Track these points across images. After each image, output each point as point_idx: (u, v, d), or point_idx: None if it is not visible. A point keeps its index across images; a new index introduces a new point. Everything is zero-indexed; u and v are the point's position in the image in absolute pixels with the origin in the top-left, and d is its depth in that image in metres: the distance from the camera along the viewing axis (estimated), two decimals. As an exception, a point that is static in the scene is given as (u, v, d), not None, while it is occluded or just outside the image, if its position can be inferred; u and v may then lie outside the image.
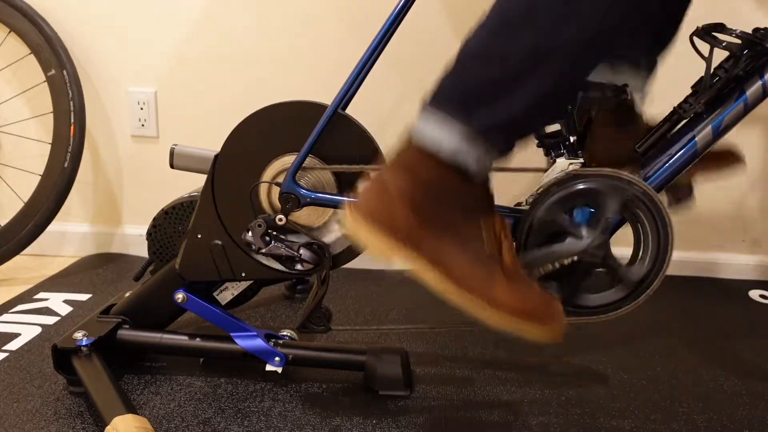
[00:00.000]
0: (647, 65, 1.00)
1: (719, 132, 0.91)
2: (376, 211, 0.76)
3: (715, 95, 0.92)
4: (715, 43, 0.91)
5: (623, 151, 0.97)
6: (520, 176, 1.18)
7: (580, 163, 0.90)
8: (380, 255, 0.77)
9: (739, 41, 0.91)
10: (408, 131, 0.77)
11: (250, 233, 0.93)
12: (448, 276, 0.76)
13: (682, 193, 0.98)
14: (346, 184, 0.94)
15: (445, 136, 0.73)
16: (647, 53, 1.00)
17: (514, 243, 0.88)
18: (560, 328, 0.81)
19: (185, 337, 1.03)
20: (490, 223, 0.80)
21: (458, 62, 0.75)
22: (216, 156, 0.95)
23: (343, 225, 0.80)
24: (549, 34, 0.71)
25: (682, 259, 1.55)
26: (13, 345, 1.14)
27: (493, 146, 0.74)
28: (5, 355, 1.10)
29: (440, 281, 0.77)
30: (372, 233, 0.76)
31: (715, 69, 0.93)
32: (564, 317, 0.82)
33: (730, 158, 1.07)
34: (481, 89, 0.73)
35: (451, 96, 0.75)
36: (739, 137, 1.47)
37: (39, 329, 1.20)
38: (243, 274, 0.98)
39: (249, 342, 0.99)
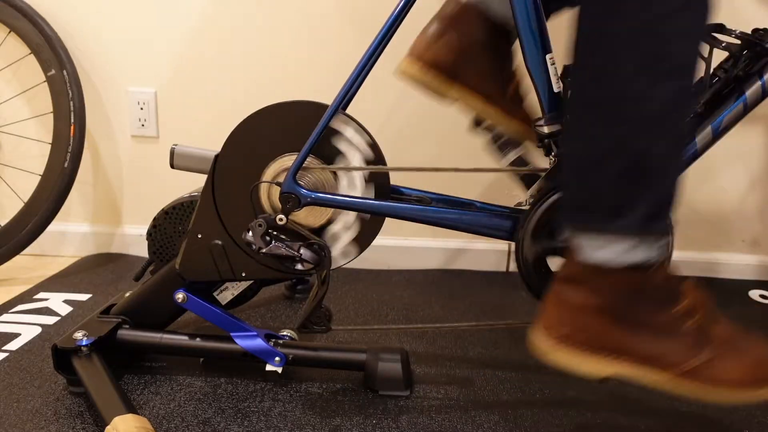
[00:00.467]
0: None
1: (719, 132, 0.91)
2: (571, 332, 0.75)
3: (715, 95, 0.92)
4: (714, 43, 0.91)
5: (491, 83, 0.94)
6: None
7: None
8: (591, 374, 0.75)
9: (738, 42, 0.91)
10: (573, 247, 0.75)
11: (250, 233, 0.93)
12: (663, 369, 0.74)
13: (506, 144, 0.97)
14: (345, 184, 0.94)
15: (608, 251, 0.72)
16: None
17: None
18: None
19: (185, 337, 1.03)
20: (687, 301, 0.76)
21: (575, 170, 0.72)
22: (216, 156, 0.95)
23: (540, 355, 0.78)
24: (650, 102, 0.67)
25: (682, 259, 1.55)
26: (13, 345, 1.14)
27: (654, 235, 0.72)
28: (5, 355, 1.10)
29: (658, 377, 0.75)
30: (576, 357, 0.75)
31: (714, 69, 0.94)
32: None
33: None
34: (615, 190, 0.70)
35: (591, 210, 0.72)
36: (738, 137, 1.48)
37: (39, 329, 1.20)
38: (243, 274, 0.98)
39: (249, 342, 0.99)
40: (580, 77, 0.72)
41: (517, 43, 0.92)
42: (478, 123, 1.02)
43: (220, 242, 0.97)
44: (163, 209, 1.08)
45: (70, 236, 1.64)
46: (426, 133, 1.53)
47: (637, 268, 0.72)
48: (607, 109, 0.69)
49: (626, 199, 0.70)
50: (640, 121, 0.68)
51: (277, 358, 0.98)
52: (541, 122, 0.91)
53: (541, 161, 0.96)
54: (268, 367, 0.99)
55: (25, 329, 1.20)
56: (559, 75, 0.90)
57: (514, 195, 1.05)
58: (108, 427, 0.83)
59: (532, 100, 0.94)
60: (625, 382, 1.01)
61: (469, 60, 0.94)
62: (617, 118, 0.68)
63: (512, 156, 1.01)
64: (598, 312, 0.74)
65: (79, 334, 0.99)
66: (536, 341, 0.78)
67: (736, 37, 0.91)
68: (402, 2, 0.90)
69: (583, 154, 0.72)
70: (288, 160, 0.93)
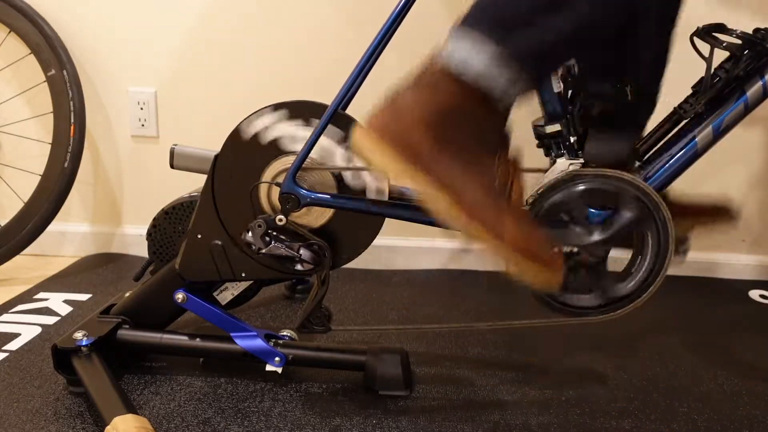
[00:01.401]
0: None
1: (720, 132, 0.91)
2: (390, 129, 0.74)
3: (716, 95, 0.92)
4: (715, 43, 0.91)
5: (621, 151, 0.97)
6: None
7: (581, 163, 0.90)
8: (389, 175, 0.76)
9: (739, 42, 0.91)
10: (432, 51, 0.74)
11: (250, 233, 0.93)
12: (457, 202, 0.74)
13: (680, 246, 0.97)
14: (346, 184, 0.94)
15: (475, 57, 0.71)
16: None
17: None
18: (559, 275, 0.79)
19: (185, 337, 1.03)
20: (504, 160, 0.77)
21: None
22: (216, 156, 0.95)
23: (353, 143, 0.77)
24: None
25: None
26: (13, 345, 1.14)
27: (522, 72, 0.71)
28: (5, 355, 1.10)
29: (449, 207, 0.74)
30: (383, 152, 0.73)
31: (715, 69, 0.94)
32: (562, 267, 0.80)
33: (725, 213, 1.07)
34: (520, 12, 0.71)
35: (488, 17, 0.72)
36: (739, 137, 1.48)
37: (39, 329, 1.20)
38: (243, 274, 0.98)
39: (249, 342, 0.99)
40: None
41: None
42: None
43: (220, 242, 0.97)
44: (163, 209, 1.08)
45: (70, 236, 1.64)
46: (426, 133, 1.53)
47: (482, 94, 0.72)
48: None
49: (525, 21, 0.71)
50: None
51: (277, 358, 0.98)
52: (541, 122, 0.90)
53: (542, 162, 0.96)
54: (268, 367, 0.99)
55: (25, 329, 1.20)
56: (559, 75, 0.90)
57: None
58: (108, 427, 0.83)
59: (532, 105, 0.94)
60: (629, 381, 1.01)
61: (446, 136, 0.98)
62: None
63: None
64: (427, 122, 0.73)
65: (79, 334, 0.99)
66: (356, 132, 0.77)
67: (737, 36, 0.91)
68: (402, 2, 0.90)
69: None
70: (288, 161, 0.93)
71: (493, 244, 0.75)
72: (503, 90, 0.72)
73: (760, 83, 0.90)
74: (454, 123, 0.73)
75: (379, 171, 0.76)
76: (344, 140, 0.93)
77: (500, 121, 0.77)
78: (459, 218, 0.75)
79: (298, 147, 0.93)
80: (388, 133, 0.74)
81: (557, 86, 0.89)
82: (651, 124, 0.99)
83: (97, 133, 1.60)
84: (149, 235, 1.09)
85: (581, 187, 0.86)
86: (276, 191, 0.93)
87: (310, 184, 0.94)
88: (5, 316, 1.26)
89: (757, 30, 0.92)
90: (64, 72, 1.46)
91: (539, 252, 0.77)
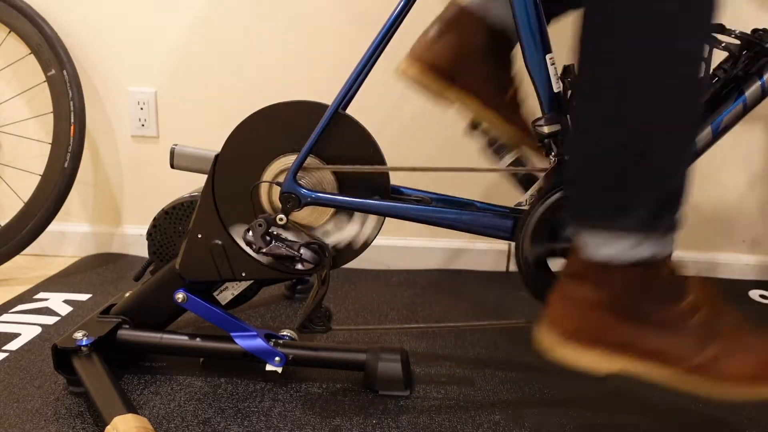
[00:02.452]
0: None
1: (718, 132, 0.91)
2: (576, 328, 0.74)
3: (714, 95, 0.92)
4: (714, 43, 0.91)
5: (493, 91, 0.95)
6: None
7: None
8: (596, 369, 0.75)
9: (738, 42, 0.91)
10: (577, 245, 0.75)
11: (250, 233, 0.93)
12: (669, 365, 0.74)
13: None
14: (346, 184, 0.94)
15: (614, 248, 0.71)
16: None
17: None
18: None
19: (185, 337, 1.03)
20: (692, 297, 0.75)
21: (580, 165, 0.72)
22: (216, 156, 0.95)
23: (546, 351, 0.77)
24: (660, 91, 0.67)
25: (682, 259, 1.55)
26: (13, 345, 1.14)
27: (660, 230, 0.71)
28: (5, 355, 1.10)
29: (665, 373, 0.74)
30: (582, 352, 0.74)
31: (714, 69, 0.94)
32: None
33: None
34: (622, 182, 0.70)
35: (596, 205, 0.72)
36: (738, 137, 1.48)
37: (39, 329, 1.20)
38: (243, 274, 0.98)
39: (249, 342, 0.99)
40: (586, 74, 0.71)
41: (517, 48, 0.92)
42: (474, 126, 1.02)
43: (220, 242, 0.97)
44: (163, 209, 1.08)
45: (70, 236, 1.64)
46: (426, 133, 1.53)
47: (642, 264, 0.72)
48: (612, 106, 0.69)
49: (631, 196, 0.70)
50: (645, 118, 0.68)
51: (277, 358, 0.98)
52: (541, 122, 0.91)
53: (541, 161, 0.96)
54: (268, 367, 0.99)
55: (25, 329, 1.20)
56: (559, 75, 0.90)
57: (514, 195, 1.05)
58: (108, 427, 0.83)
59: (531, 105, 0.94)
60: (630, 379, 1.01)
61: (468, 63, 0.94)
62: (622, 115, 0.68)
63: (508, 159, 1.02)
64: (603, 307, 0.74)
65: (79, 334, 0.99)
66: (541, 337, 0.78)
67: (736, 37, 0.91)
68: (402, 2, 0.90)
69: (588, 150, 0.72)
70: (288, 160, 0.93)
71: (725, 388, 0.73)
72: (657, 251, 0.72)
73: (758, 83, 0.90)
74: (634, 298, 0.73)
75: (586, 367, 0.75)
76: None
77: (666, 269, 0.75)
78: (679, 378, 0.74)
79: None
80: (578, 333, 0.74)
81: (557, 86, 0.89)
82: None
83: (97, 133, 1.60)
84: (149, 235, 1.09)
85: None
86: (276, 191, 0.94)
87: (310, 184, 0.94)
88: (5, 316, 1.26)
89: (755, 30, 0.92)
90: (64, 72, 1.46)
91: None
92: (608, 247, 0.72)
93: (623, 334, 0.74)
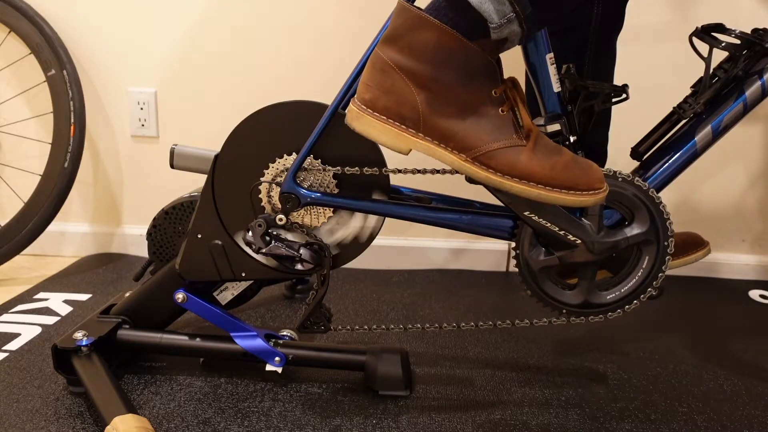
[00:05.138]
0: None
1: (719, 132, 0.91)
2: (377, 97, 0.69)
3: (715, 95, 0.92)
4: (714, 43, 0.91)
5: None
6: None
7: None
8: (392, 147, 0.70)
9: (738, 42, 0.91)
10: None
11: (250, 233, 0.93)
12: (468, 152, 0.69)
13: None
14: (346, 184, 0.94)
15: None
16: None
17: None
18: (603, 193, 0.72)
19: (185, 337, 1.03)
20: (502, 89, 0.72)
21: None
22: (216, 156, 0.95)
23: (349, 122, 0.74)
24: None
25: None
26: (13, 345, 1.14)
27: (523, 7, 0.67)
28: (5, 355, 1.10)
29: (460, 160, 0.70)
30: (379, 125, 0.70)
31: (714, 69, 0.94)
32: (603, 179, 0.74)
33: (697, 243, 1.07)
34: None
35: None
36: (738, 137, 1.48)
37: (39, 329, 1.20)
38: (243, 274, 0.98)
39: (249, 342, 0.99)
40: None
41: None
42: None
43: (220, 242, 0.97)
44: (163, 209, 1.08)
45: (70, 236, 1.64)
46: (426, 133, 1.53)
47: (477, 27, 0.67)
48: None
49: None
50: None
51: (277, 358, 0.98)
52: (541, 122, 0.90)
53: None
54: (268, 367, 0.99)
55: (25, 329, 1.20)
56: (558, 75, 0.90)
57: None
58: (108, 427, 0.83)
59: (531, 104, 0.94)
60: (628, 379, 1.01)
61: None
62: None
63: None
64: (409, 75, 0.68)
65: (79, 334, 0.99)
66: (350, 111, 0.73)
67: (736, 36, 0.91)
68: (402, 2, 0.90)
69: None
70: (288, 160, 0.93)
71: (522, 187, 0.70)
72: (500, 20, 0.67)
73: (758, 83, 0.90)
74: (442, 68, 0.68)
75: (385, 145, 0.72)
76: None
77: (491, 54, 0.71)
78: (476, 172, 0.70)
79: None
80: (378, 103, 0.70)
81: (557, 86, 0.89)
82: (651, 124, 0.99)
83: (97, 133, 1.60)
84: (149, 235, 1.09)
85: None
86: (276, 191, 0.94)
87: (311, 184, 0.94)
88: (5, 316, 1.26)
89: (755, 30, 0.92)
90: (64, 72, 1.46)
91: (573, 176, 0.71)
92: None
93: (424, 109, 0.69)
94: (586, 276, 0.90)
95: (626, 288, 0.91)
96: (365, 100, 0.72)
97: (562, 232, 0.85)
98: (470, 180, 0.78)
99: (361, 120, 0.73)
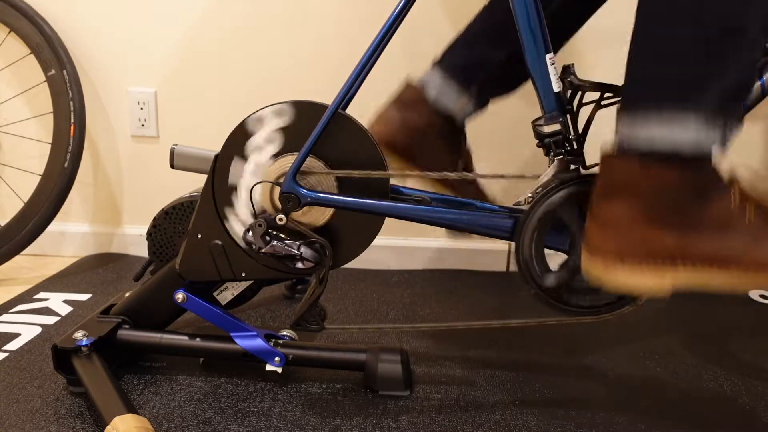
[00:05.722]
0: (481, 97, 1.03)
1: (719, 132, 0.91)
2: (622, 248, 0.68)
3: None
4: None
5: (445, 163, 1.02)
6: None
7: (579, 163, 0.90)
8: (656, 291, 0.69)
9: (738, 41, 0.91)
10: (608, 148, 0.70)
11: (250, 233, 0.93)
12: (736, 267, 0.68)
13: None
14: (346, 183, 0.94)
15: (679, 132, 0.65)
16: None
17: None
18: None
19: (185, 337, 1.03)
20: (733, 190, 0.70)
21: (654, 57, 0.67)
22: (216, 156, 0.95)
23: (594, 279, 0.71)
24: None
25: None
26: (13, 345, 1.14)
27: (732, 116, 0.66)
28: (5, 355, 1.10)
29: (729, 276, 0.68)
30: (634, 273, 0.68)
31: (715, 69, 0.93)
32: None
33: None
34: (698, 69, 0.65)
35: (669, 88, 0.67)
36: (738, 137, 1.48)
37: (39, 329, 1.20)
38: (243, 274, 0.98)
39: (249, 342, 0.99)
40: None
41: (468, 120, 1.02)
42: None
43: (219, 242, 0.97)
44: (163, 209, 1.08)
45: (70, 236, 1.64)
46: (426, 133, 1.53)
47: (686, 158, 0.66)
48: None
49: (711, 71, 0.65)
50: None
51: (277, 358, 0.98)
52: (541, 122, 0.91)
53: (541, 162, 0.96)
54: (268, 367, 0.99)
55: (25, 329, 1.20)
56: (558, 75, 0.90)
57: (515, 195, 1.05)
58: (108, 427, 0.83)
59: (534, 105, 0.94)
60: (628, 375, 1.01)
61: (422, 144, 1.02)
62: None
63: None
64: (644, 219, 0.67)
65: (79, 334, 0.99)
66: (588, 269, 0.71)
67: (737, 37, 0.91)
68: (402, 2, 0.90)
69: (662, 21, 0.67)
70: (288, 160, 0.93)
71: None
72: (714, 143, 0.67)
73: (758, 83, 0.90)
74: (676, 201, 0.67)
75: (643, 291, 0.69)
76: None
77: (710, 166, 0.69)
78: (741, 280, 0.68)
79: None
80: (625, 253, 0.68)
81: (557, 86, 0.89)
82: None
83: (97, 133, 1.60)
84: (149, 235, 1.09)
85: (579, 188, 0.87)
86: (276, 190, 0.94)
87: (310, 184, 0.94)
88: (5, 316, 1.26)
89: (756, 30, 0.92)
90: (64, 72, 1.46)
91: None
92: (668, 130, 0.66)
93: (671, 243, 0.68)
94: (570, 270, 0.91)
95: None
96: (610, 254, 0.71)
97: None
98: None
99: (613, 275, 0.71)
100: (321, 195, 0.92)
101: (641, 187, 0.68)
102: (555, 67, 0.89)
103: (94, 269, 1.53)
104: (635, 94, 0.70)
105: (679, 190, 0.68)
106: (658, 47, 0.67)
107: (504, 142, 1.53)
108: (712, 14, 0.64)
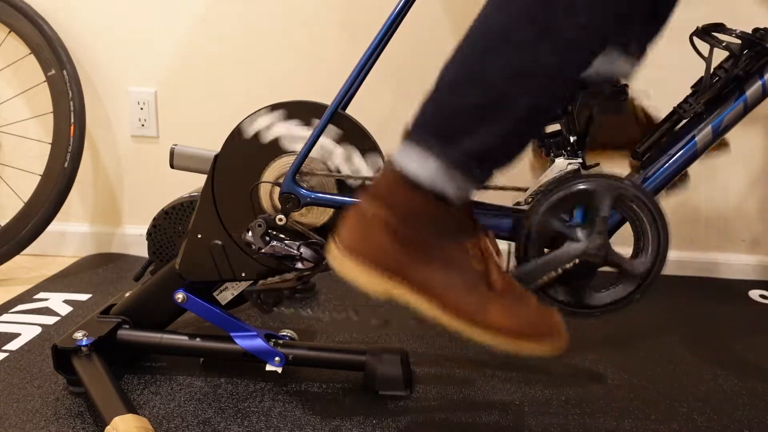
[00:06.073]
0: (636, 52, 0.99)
1: (719, 132, 0.91)
2: (359, 244, 0.75)
3: (715, 95, 0.92)
4: (714, 43, 0.91)
5: (624, 139, 0.98)
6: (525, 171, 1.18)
7: (579, 163, 0.90)
8: (369, 290, 0.76)
9: (738, 41, 0.91)
10: (388, 159, 0.76)
11: (250, 233, 0.93)
12: (439, 303, 0.75)
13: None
14: (346, 183, 0.94)
15: (422, 168, 0.72)
16: (636, 41, 0.99)
17: (515, 250, 0.87)
18: (561, 341, 0.79)
19: (185, 337, 1.03)
20: (475, 244, 0.79)
21: (436, 89, 0.73)
22: (216, 156, 0.95)
23: (331, 263, 0.79)
24: (529, 53, 0.69)
25: (682, 259, 1.55)
26: (13, 345, 1.14)
27: (470, 176, 0.73)
28: (5, 355, 1.10)
29: (432, 309, 0.76)
30: (357, 269, 0.75)
31: (714, 69, 0.93)
32: (564, 328, 0.80)
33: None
34: (458, 118, 0.72)
35: (428, 126, 0.73)
36: (739, 137, 1.48)
37: (39, 329, 1.20)
38: (243, 274, 0.98)
39: (249, 342, 0.99)
40: (489, 7, 0.73)
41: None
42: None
43: (220, 242, 0.97)
44: (163, 209, 1.08)
45: (70, 236, 1.64)
46: (426, 133, 1.53)
47: (438, 197, 0.73)
48: (494, 40, 0.71)
49: (467, 129, 0.71)
50: (517, 64, 0.70)
51: (277, 358, 0.98)
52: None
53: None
54: (268, 367, 0.99)
55: (25, 329, 1.20)
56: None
57: (514, 195, 1.05)
58: (108, 427, 0.83)
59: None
60: (625, 378, 1.01)
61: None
62: (498, 52, 0.70)
63: None
64: (390, 230, 0.74)
65: (79, 334, 0.99)
66: (327, 250, 0.78)
67: (737, 36, 0.91)
68: (401, 2, 0.90)
69: (453, 73, 0.73)
70: (288, 161, 0.93)
71: (486, 336, 0.76)
72: (456, 192, 0.73)
73: (759, 83, 0.90)
74: (418, 226, 0.74)
75: (361, 286, 0.76)
76: (343, 139, 0.94)
77: (463, 213, 0.78)
78: (445, 318, 0.76)
79: (298, 146, 0.93)
80: (358, 247, 0.75)
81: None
82: (651, 124, 0.99)
83: (97, 133, 1.60)
84: (149, 235, 1.09)
85: (579, 188, 0.87)
86: (276, 191, 0.94)
87: (311, 184, 0.94)
88: (5, 316, 1.26)
89: (756, 30, 0.92)
90: (64, 72, 1.46)
91: (535, 328, 0.78)
92: (415, 163, 0.72)
93: (402, 261, 0.75)
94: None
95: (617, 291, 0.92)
96: (350, 247, 0.77)
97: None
98: None
99: (341, 263, 0.77)
100: (321, 195, 0.92)
101: (394, 201, 0.74)
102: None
103: (94, 269, 1.53)
104: (414, 119, 0.76)
105: (422, 218, 0.74)
106: (437, 89, 0.74)
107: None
108: (481, 82, 0.71)
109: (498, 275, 0.79)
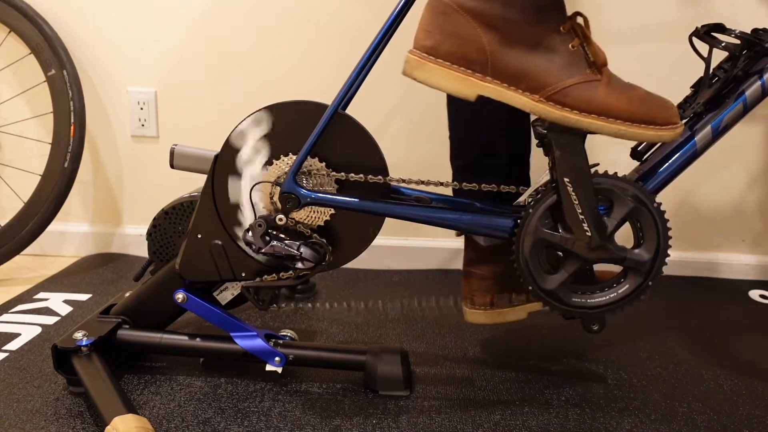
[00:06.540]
0: None
1: (718, 132, 0.91)
2: (440, 41, 0.67)
3: (715, 95, 0.92)
4: (714, 43, 0.91)
5: None
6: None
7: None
8: (457, 93, 0.68)
9: (738, 41, 0.91)
10: None
11: (250, 233, 0.93)
12: (532, 90, 0.68)
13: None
14: (346, 183, 0.94)
15: None
16: None
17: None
18: (680, 127, 0.72)
19: (185, 337, 1.03)
20: (569, 25, 0.70)
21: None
22: (216, 156, 0.95)
23: (409, 73, 0.71)
24: None
25: (682, 259, 1.55)
26: (13, 345, 1.14)
27: None
28: (5, 355, 1.10)
29: (523, 99, 0.68)
30: (442, 71, 0.68)
31: (714, 69, 0.94)
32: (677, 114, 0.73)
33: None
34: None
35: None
36: (738, 137, 1.48)
37: (39, 329, 1.20)
38: (243, 274, 0.98)
39: (249, 342, 0.99)
40: None
41: None
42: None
43: (220, 242, 0.97)
44: (163, 209, 1.08)
45: (70, 236, 1.64)
46: (426, 133, 1.53)
47: None
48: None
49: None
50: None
51: (277, 358, 0.98)
52: (540, 122, 0.91)
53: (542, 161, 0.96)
54: (268, 367, 0.99)
55: (25, 329, 1.20)
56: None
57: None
58: (108, 427, 0.83)
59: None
60: (628, 379, 1.01)
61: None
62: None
63: None
64: (473, 15, 0.67)
65: (79, 334, 0.99)
66: (409, 60, 0.71)
67: (736, 36, 0.91)
68: (402, 2, 0.90)
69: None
70: (288, 161, 0.93)
71: (601, 124, 0.68)
72: None
73: (758, 83, 0.90)
74: (506, 4, 0.67)
75: (451, 91, 0.69)
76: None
77: None
78: (551, 112, 0.68)
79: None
80: (441, 47, 0.68)
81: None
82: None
83: (97, 133, 1.60)
84: (149, 235, 1.09)
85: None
86: (276, 191, 0.94)
87: (311, 184, 0.94)
88: (5, 316, 1.26)
89: (755, 30, 0.92)
90: (64, 72, 1.46)
91: (650, 110, 0.70)
92: None
93: (490, 49, 0.68)
94: (569, 271, 0.91)
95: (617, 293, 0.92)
96: (426, 47, 0.69)
97: (581, 216, 0.85)
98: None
99: (423, 68, 0.70)
100: (321, 195, 0.92)
101: None
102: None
103: (94, 269, 1.53)
104: None
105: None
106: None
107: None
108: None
109: (600, 56, 0.71)
